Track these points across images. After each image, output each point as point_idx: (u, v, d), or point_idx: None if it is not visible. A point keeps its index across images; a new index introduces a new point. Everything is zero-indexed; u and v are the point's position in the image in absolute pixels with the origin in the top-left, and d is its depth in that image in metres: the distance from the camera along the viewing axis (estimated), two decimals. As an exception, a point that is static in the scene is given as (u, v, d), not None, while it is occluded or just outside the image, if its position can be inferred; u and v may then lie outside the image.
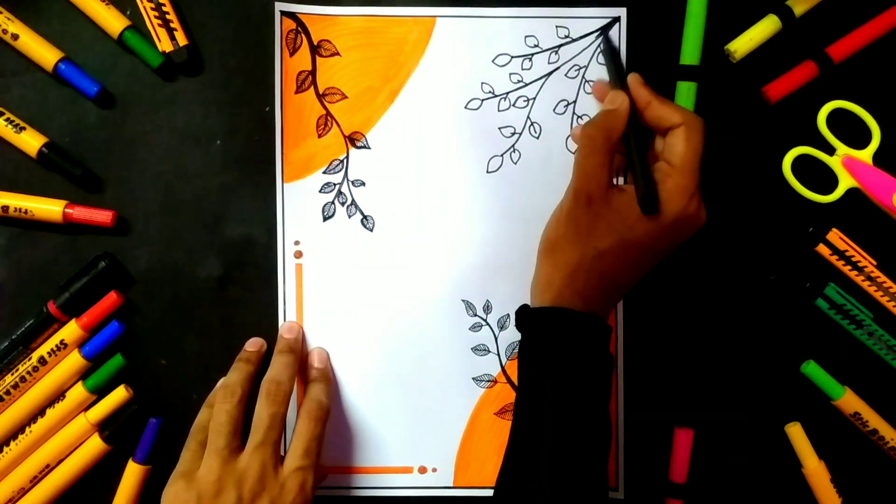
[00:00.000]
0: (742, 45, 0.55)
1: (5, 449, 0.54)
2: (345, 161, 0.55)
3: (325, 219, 0.55)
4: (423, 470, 0.56)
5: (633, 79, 0.48)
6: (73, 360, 0.54)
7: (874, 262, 0.55)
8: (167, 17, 0.54)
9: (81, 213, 0.54)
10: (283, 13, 0.55)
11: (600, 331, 0.46)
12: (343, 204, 0.55)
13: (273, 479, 0.48)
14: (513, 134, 0.55)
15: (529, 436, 0.45)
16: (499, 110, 0.55)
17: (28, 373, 0.54)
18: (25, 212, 0.53)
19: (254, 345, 0.54)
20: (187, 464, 0.49)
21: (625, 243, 0.45)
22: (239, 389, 0.50)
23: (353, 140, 0.55)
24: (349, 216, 0.56)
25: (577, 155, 0.47)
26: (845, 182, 0.54)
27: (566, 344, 0.45)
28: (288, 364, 0.52)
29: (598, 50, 0.54)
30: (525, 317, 0.47)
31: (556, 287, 0.46)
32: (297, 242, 0.55)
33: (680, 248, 0.55)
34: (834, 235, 0.55)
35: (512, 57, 0.55)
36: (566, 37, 0.55)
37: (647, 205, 0.44)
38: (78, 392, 0.54)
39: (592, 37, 0.55)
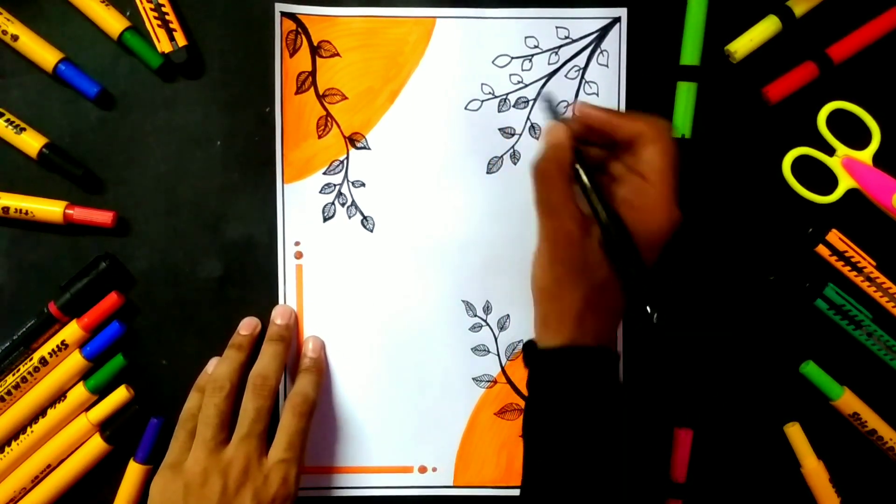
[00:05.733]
0: (742, 45, 0.55)
1: (7, 449, 0.54)
2: (345, 162, 0.55)
3: (325, 219, 0.56)
4: (423, 469, 0.56)
5: (580, 106, 0.46)
6: (74, 361, 0.54)
7: (873, 263, 0.55)
8: (167, 17, 0.54)
9: (82, 213, 0.54)
10: (283, 14, 0.55)
11: (611, 361, 0.46)
12: (343, 205, 0.56)
13: (257, 470, 0.49)
14: (513, 135, 0.55)
15: (548, 479, 0.45)
16: (499, 111, 0.55)
17: (29, 373, 0.54)
18: (26, 213, 0.53)
19: (247, 328, 0.55)
20: (175, 455, 0.50)
21: None
22: (227, 383, 0.51)
23: (353, 141, 0.55)
24: (349, 217, 0.56)
25: (539, 195, 0.45)
26: (845, 183, 0.54)
27: (583, 381, 0.44)
28: (276, 355, 0.53)
29: (541, 105, 0.50)
30: (536, 357, 0.47)
31: (567, 328, 0.45)
32: (297, 243, 0.55)
33: (678, 248, 0.55)
34: (833, 236, 0.55)
35: (512, 58, 0.55)
36: (566, 37, 0.55)
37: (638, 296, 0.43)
38: (79, 392, 0.54)
39: (593, 37, 0.55)
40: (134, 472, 0.54)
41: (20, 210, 0.53)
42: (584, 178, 0.45)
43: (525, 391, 0.55)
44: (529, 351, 0.47)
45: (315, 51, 0.55)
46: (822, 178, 0.55)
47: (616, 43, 0.55)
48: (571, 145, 0.45)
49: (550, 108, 0.47)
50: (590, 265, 0.44)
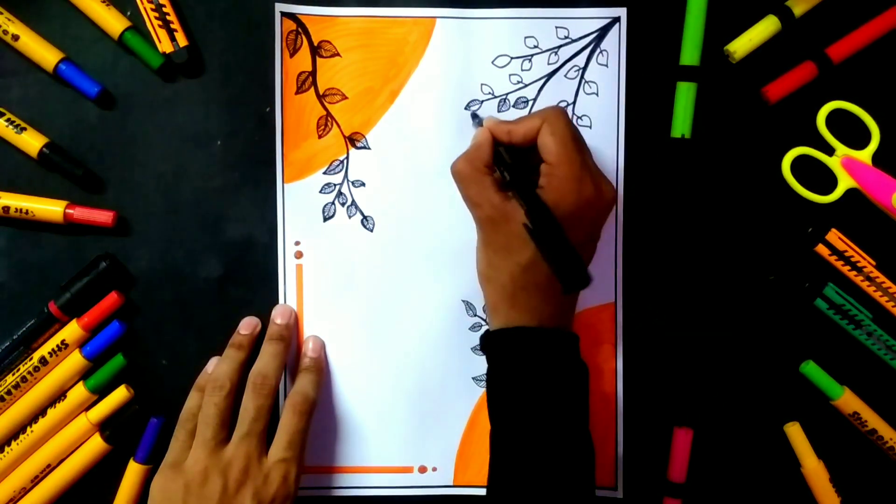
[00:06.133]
0: (742, 45, 0.55)
1: (6, 449, 0.54)
2: (345, 161, 0.56)
3: (325, 219, 0.56)
4: (423, 469, 0.56)
5: (487, 121, 0.50)
6: (74, 360, 0.54)
7: (873, 263, 0.55)
8: (167, 17, 0.54)
9: (82, 213, 0.54)
10: (283, 14, 0.55)
11: (557, 340, 0.47)
12: (343, 204, 0.56)
13: (257, 469, 0.49)
14: (512, 134, 0.55)
15: (508, 463, 0.47)
16: (498, 111, 0.55)
17: (29, 373, 0.54)
18: (26, 212, 0.54)
19: (247, 327, 0.55)
20: (175, 454, 0.51)
21: None
22: (227, 382, 0.51)
23: (353, 140, 0.56)
24: (349, 216, 0.56)
25: (460, 191, 0.49)
26: (844, 182, 0.54)
27: (523, 360, 0.47)
28: (276, 354, 0.53)
29: (475, 122, 0.53)
30: (482, 339, 0.50)
31: (502, 311, 0.48)
32: (297, 243, 0.55)
33: (679, 248, 0.56)
34: (833, 236, 0.55)
35: (511, 58, 0.55)
36: (566, 37, 0.55)
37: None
38: (79, 392, 0.55)
39: (592, 37, 0.55)
40: (134, 471, 0.54)
41: (20, 210, 0.53)
42: (498, 170, 0.49)
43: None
44: (482, 337, 0.50)
45: (315, 51, 0.55)
46: (821, 178, 0.55)
47: (616, 43, 0.55)
48: (490, 145, 0.49)
49: (475, 119, 0.53)
50: (514, 247, 0.46)
